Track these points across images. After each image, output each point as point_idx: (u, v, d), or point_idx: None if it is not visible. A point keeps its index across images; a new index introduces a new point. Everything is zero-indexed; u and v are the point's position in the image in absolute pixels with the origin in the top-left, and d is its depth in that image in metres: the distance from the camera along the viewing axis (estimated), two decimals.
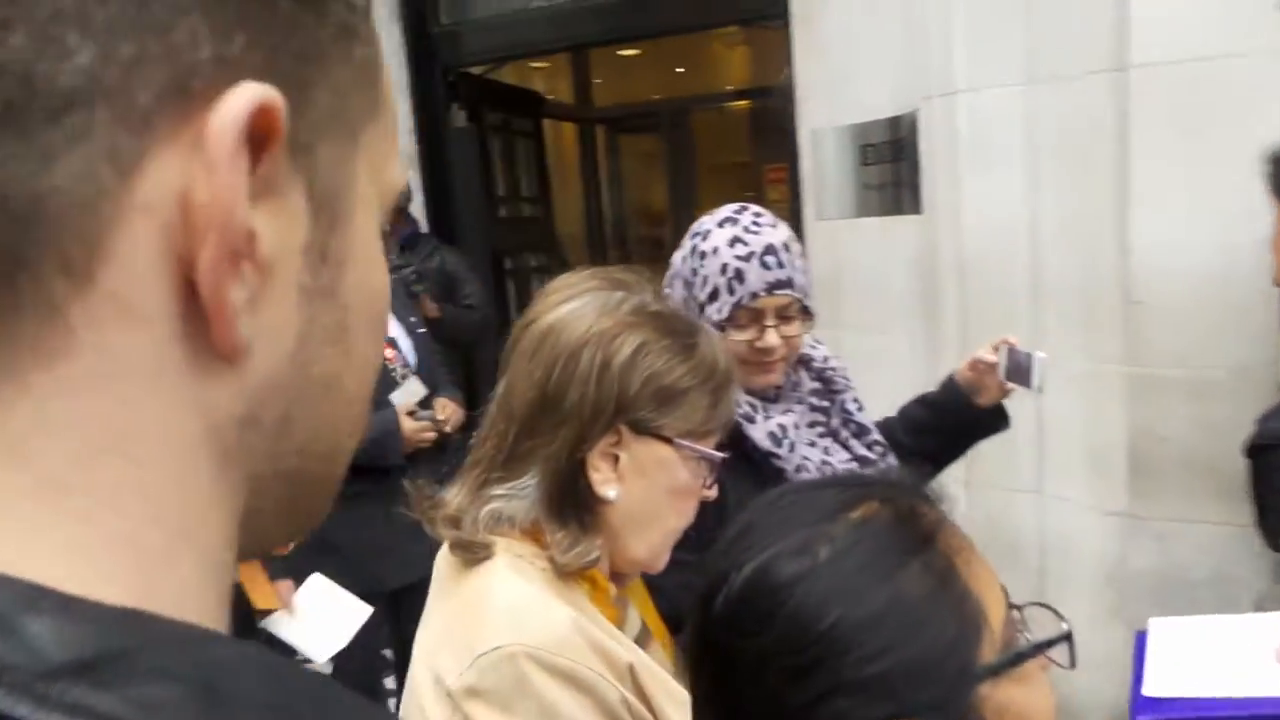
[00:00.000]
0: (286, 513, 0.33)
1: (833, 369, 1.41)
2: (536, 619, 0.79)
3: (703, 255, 1.29)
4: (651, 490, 0.87)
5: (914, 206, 2.60)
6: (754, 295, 1.25)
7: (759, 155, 6.50)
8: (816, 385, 1.41)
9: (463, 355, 3.70)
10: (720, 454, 0.91)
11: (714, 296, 1.27)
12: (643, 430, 0.86)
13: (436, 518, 0.86)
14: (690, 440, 0.88)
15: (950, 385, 1.55)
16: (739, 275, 1.25)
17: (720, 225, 1.29)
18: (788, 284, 1.26)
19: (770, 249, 1.26)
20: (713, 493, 0.93)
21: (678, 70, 7.06)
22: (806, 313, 1.31)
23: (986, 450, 1.73)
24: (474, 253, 3.92)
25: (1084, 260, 2.15)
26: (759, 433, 1.29)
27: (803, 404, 1.38)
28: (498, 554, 0.83)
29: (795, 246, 1.30)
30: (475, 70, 4.32)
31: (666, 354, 0.87)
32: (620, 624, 0.88)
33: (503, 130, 4.57)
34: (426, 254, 3.57)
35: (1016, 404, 2.24)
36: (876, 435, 1.41)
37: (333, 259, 0.30)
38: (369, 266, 0.33)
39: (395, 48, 3.95)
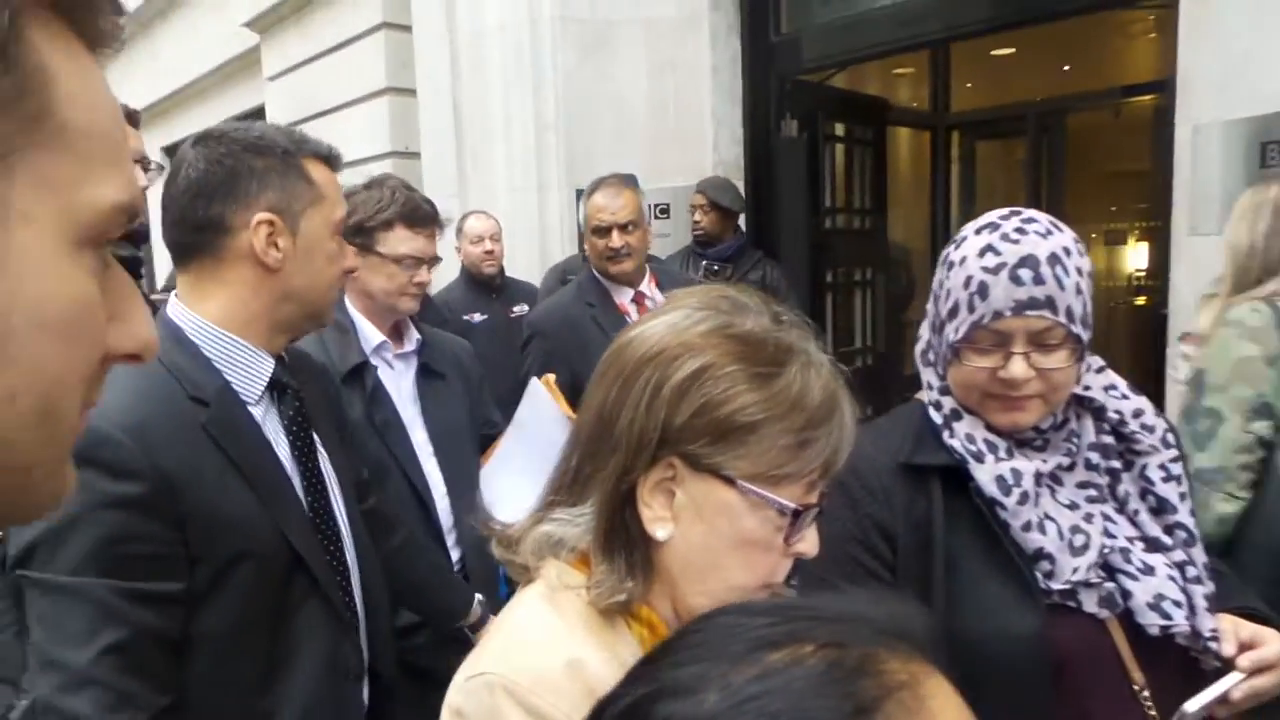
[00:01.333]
0: None
1: (1142, 426, 1.12)
2: (528, 653, 0.75)
3: (950, 266, 1.09)
4: (711, 536, 0.75)
5: None
6: (997, 315, 1.03)
7: (1159, 161, 5.55)
8: (1107, 440, 1.13)
9: None
10: (792, 505, 0.74)
11: (954, 313, 1.08)
12: (700, 466, 0.74)
13: (498, 538, 0.83)
14: (762, 485, 0.74)
15: None
16: (982, 290, 1.04)
17: (978, 232, 1.08)
18: (1045, 304, 1.01)
19: (1028, 260, 1.02)
20: (807, 547, 0.78)
21: (1064, 68, 6.31)
22: (1080, 345, 1.05)
23: None
24: (794, 265, 3.83)
25: None
26: (984, 475, 1.08)
27: (1074, 456, 1.11)
28: (539, 579, 0.79)
29: (1073, 262, 1.04)
30: (815, 77, 4.23)
31: (730, 381, 0.73)
32: None
33: (841, 139, 4.42)
34: (750, 266, 3.56)
35: None
36: (1185, 519, 1.09)
37: None
38: (36, 277, 0.37)
39: (733, 57, 4.01)
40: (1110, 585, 1.05)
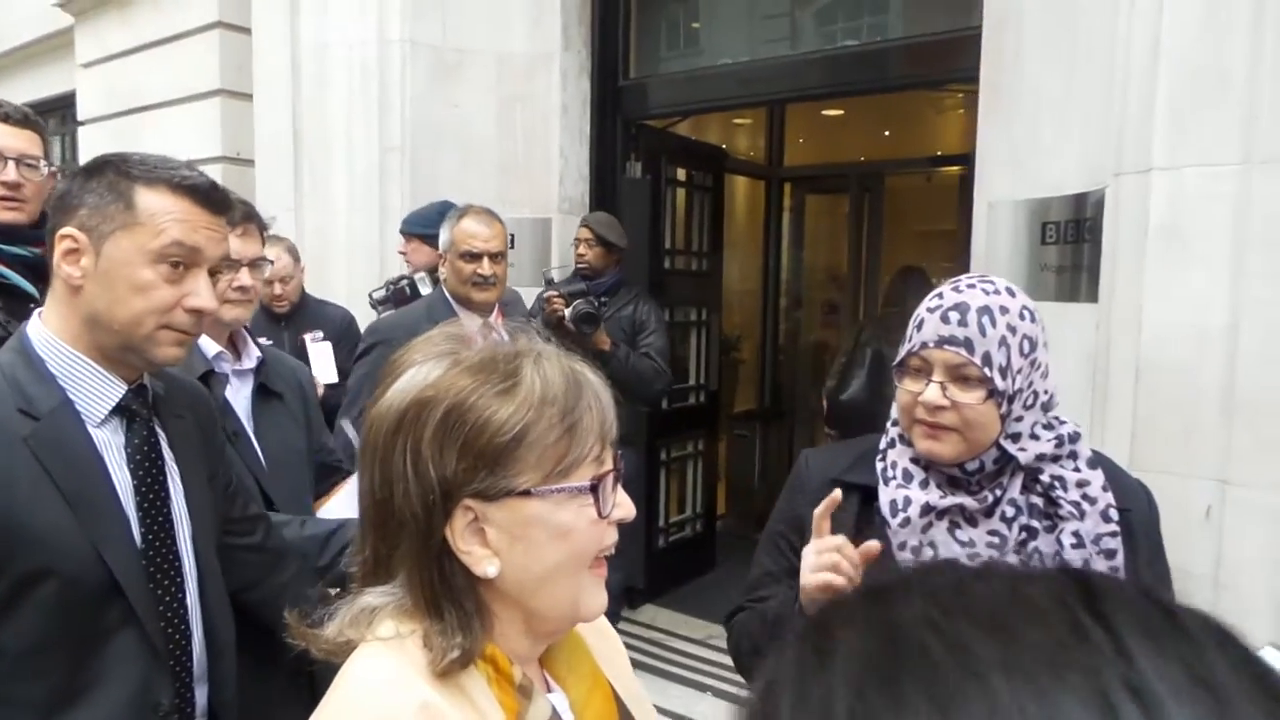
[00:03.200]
0: None
1: (1083, 497, 1.24)
2: (377, 700, 0.74)
3: (914, 314, 1.28)
4: (534, 549, 0.77)
5: (1092, 294, 2.31)
6: (924, 344, 1.22)
7: (964, 225, 6.12)
8: (1035, 500, 1.26)
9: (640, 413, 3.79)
10: (585, 483, 0.78)
11: (901, 343, 1.26)
12: (492, 496, 0.76)
13: (313, 644, 0.80)
14: (556, 481, 0.77)
15: None
16: (920, 324, 1.23)
17: (943, 284, 1.27)
18: (962, 343, 1.18)
19: (960, 306, 1.20)
20: (622, 513, 0.82)
21: (884, 133, 6.86)
22: (994, 390, 1.19)
23: None
24: None
25: None
26: (884, 497, 1.27)
27: (989, 501, 1.24)
28: (374, 634, 0.78)
29: (1006, 320, 1.19)
30: (660, 123, 4.39)
31: (479, 409, 0.75)
32: (519, 713, 0.78)
33: (682, 184, 4.59)
34: (625, 301, 3.65)
35: (1194, 542, 1.90)
36: None
37: None
38: None
39: (583, 99, 4.10)
40: None
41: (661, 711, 3.36)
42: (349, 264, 3.92)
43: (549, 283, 3.66)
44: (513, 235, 4.03)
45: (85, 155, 5.47)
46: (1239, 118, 1.94)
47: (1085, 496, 1.24)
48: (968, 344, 1.18)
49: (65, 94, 5.92)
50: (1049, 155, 2.52)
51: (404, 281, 3.32)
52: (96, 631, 1.16)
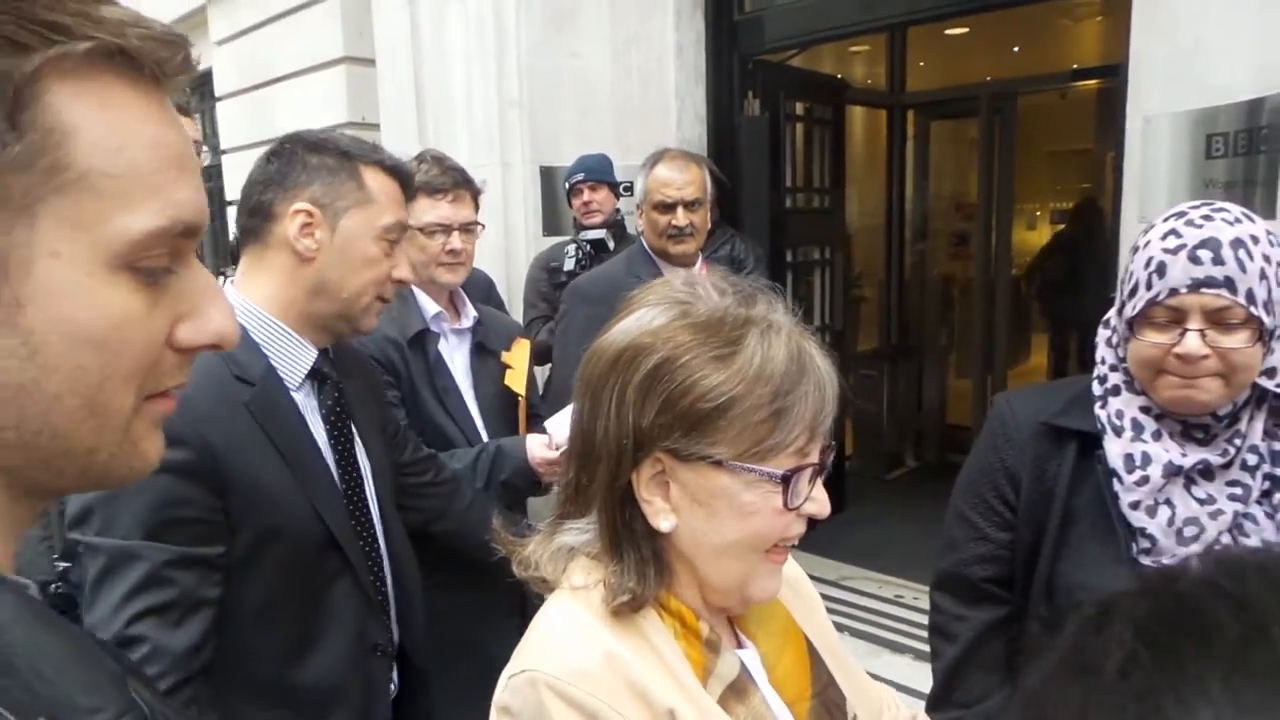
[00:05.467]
0: (41, 470, 0.48)
1: None
2: (565, 648, 0.77)
3: (1136, 250, 1.16)
4: (713, 519, 0.77)
5: (1270, 211, 2.12)
6: (1173, 291, 1.09)
7: (1103, 143, 5.73)
8: (1276, 445, 1.16)
9: None
10: (779, 472, 0.75)
11: (1134, 292, 1.14)
12: (684, 457, 0.75)
13: (515, 557, 0.85)
14: (750, 461, 0.75)
15: None
16: (1160, 269, 1.10)
17: (1165, 219, 1.14)
18: (1223, 283, 1.06)
19: (1209, 242, 1.07)
20: (815, 508, 0.79)
21: (1013, 49, 6.43)
22: (1261, 329, 1.08)
23: None
24: (757, 244, 3.87)
25: None
26: (1114, 449, 1.18)
27: (1230, 456, 1.15)
28: (565, 583, 0.82)
29: (1260, 249, 1.08)
30: (776, 57, 4.25)
31: (687, 370, 0.74)
32: (706, 666, 0.79)
33: (801, 119, 4.46)
34: (720, 242, 3.60)
35: None
36: None
37: (7, 301, 0.45)
38: (69, 302, 0.46)
39: (697, 37, 4.01)
40: None
41: None
42: None
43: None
44: (632, 183, 4.05)
45: (224, 129, 5.78)
46: None
47: None
48: (1229, 284, 1.06)
49: (203, 72, 6.25)
50: (1216, 59, 2.30)
51: (586, 244, 3.14)
52: (319, 583, 1.26)
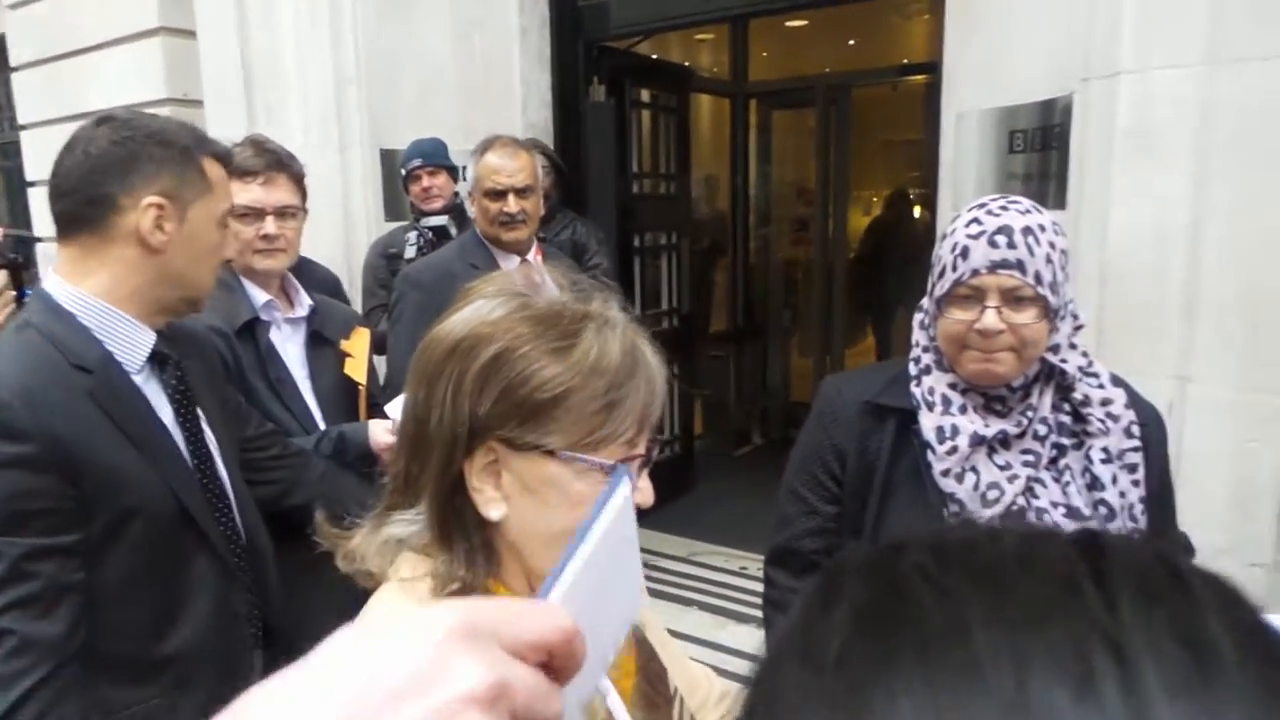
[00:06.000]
0: None
1: (1107, 415, 1.28)
2: None
3: (944, 237, 1.27)
4: (543, 508, 0.78)
5: (1060, 201, 2.34)
6: (974, 272, 1.22)
7: (931, 135, 6.08)
8: (1064, 419, 1.30)
9: None
10: (610, 463, 0.78)
11: (941, 274, 1.26)
12: (517, 446, 0.77)
13: (340, 551, 0.84)
14: (582, 451, 0.77)
15: None
16: (964, 252, 1.23)
17: (970, 209, 1.26)
18: (1015, 265, 1.19)
19: (1004, 229, 1.21)
20: (641, 498, 0.81)
21: (849, 43, 6.74)
22: (1046, 307, 1.21)
23: None
24: (603, 230, 3.90)
25: (1253, 274, 1.85)
26: (928, 422, 1.28)
27: (1024, 426, 1.28)
28: (391, 577, 0.81)
29: (1046, 237, 1.21)
30: (622, 44, 4.28)
31: (526, 360, 0.76)
32: None
33: (647, 105, 4.51)
34: (562, 226, 3.59)
35: None
36: (1110, 497, 1.27)
37: None
38: None
39: (541, 21, 3.98)
40: None
41: None
42: (311, 206, 3.83)
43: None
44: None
45: (22, 103, 5.24)
46: (1205, 17, 1.94)
47: (1109, 414, 1.28)
48: (1020, 265, 1.19)
49: None
50: (1016, 62, 2.50)
51: (428, 231, 3.08)
52: (179, 558, 1.31)
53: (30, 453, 1.13)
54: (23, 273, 1.75)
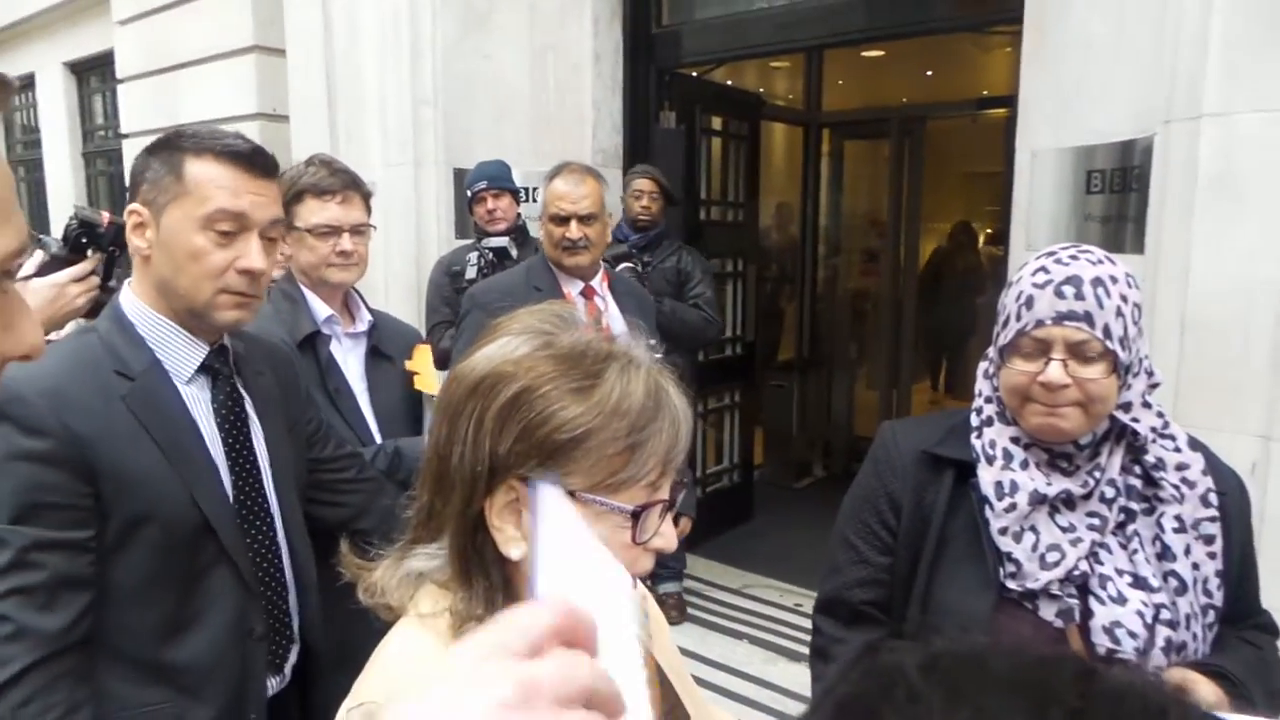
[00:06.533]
0: None
1: (1182, 480, 1.21)
2: (406, 679, 0.75)
3: (1009, 285, 1.23)
4: None
5: (1138, 246, 2.25)
6: (1039, 323, 1.16)
7: (1009, 168, 5.92)
8: (1135, 482, 1.23)
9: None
10: (630, 507, 0.76)
11: (1006, 323, 1.22)
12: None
13: (362, 584, 0.84)
14: (602, 494, 0.75)
15: None
16: (1029, 302, 1.18)
17: (1037, 258, 1.22)
18: (1083, 318, 1.14)
19: (1073, 279, 1.16)
20: (662, 543, 0.80)
21: (927, 74, 6.65)
22: (1116, 362, 1.15)
23: None
24: None
25: None
26: (986, 476, 1.24)
27: (1090, 488, 1.21)
28: (410, 611, 0.81)
29: (1118, 289, 1.16)
30: (694, 70, 4.30)
31: (547, 400, 0.74)
32: None
33: (717, 133, 4.52)
34: (667, 254, 3.65)
35: None
36: (1181, 569, 1.19)
37: None
38: None
39: (614, 47, 4.03)
40: (1073, 601, 1.18)
41: (699, 659, 3.43)
42: (385, 221, 3.94)
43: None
44: (536, 189, 4.04)
45: (126, 113, 5.53)
46: None
47: (1185, 480, 1.21)
48: (1088, 318, 1.14)
49: (104, 52, 5.97)
50: (1095, 101, 2.43)
51: (489, 252, 3.14)
52: (195, 568, 1.30)
53: (47, 448, 1.16)
54: (116, 266, 1.74)
